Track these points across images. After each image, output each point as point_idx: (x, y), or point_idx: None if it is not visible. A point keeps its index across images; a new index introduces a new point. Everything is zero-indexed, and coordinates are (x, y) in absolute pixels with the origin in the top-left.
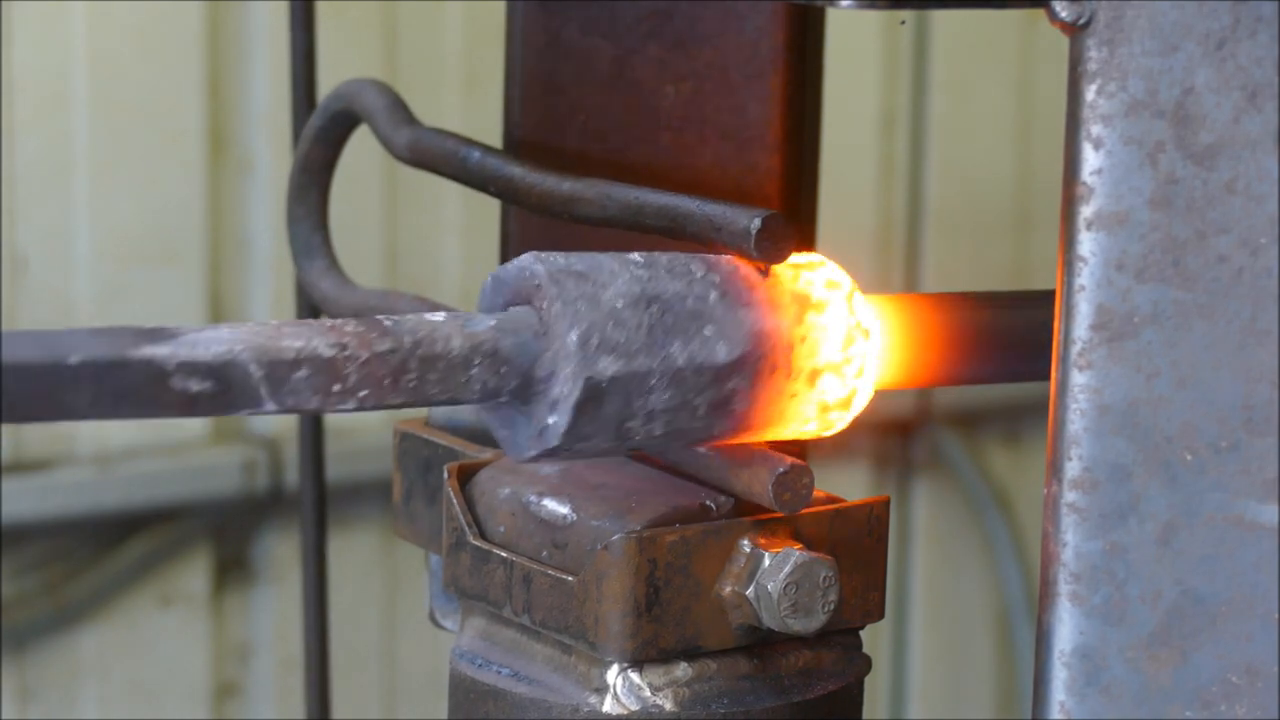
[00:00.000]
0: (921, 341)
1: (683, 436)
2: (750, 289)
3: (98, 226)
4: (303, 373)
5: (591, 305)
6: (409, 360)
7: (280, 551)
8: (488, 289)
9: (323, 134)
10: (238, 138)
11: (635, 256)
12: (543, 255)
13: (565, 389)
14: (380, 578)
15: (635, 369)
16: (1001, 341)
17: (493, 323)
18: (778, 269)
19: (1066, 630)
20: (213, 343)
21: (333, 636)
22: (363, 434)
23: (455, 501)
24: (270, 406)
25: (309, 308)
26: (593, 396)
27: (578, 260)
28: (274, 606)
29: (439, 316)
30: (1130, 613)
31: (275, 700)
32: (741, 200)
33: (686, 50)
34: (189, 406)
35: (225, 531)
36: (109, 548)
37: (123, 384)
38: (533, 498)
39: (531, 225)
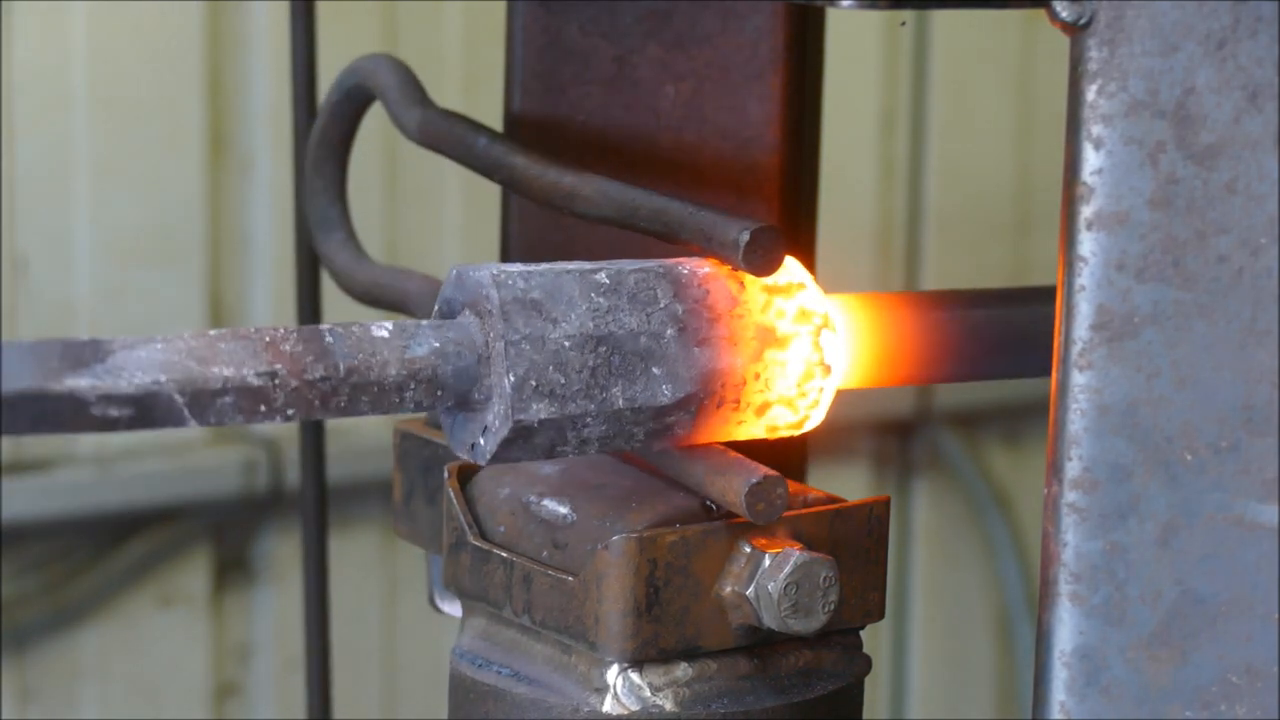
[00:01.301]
0: (885, 341)
1: (618, 450)
2: (712, 322)
3: (98, 226)
4: (228, 399)
5: (536, 345)
6: (340, 386)
7: (280, 551)
8: (451, 281)
9: (339, 109)
10: (238, 138)
11: (602, 278)
12: (502, 276)
13: (496, 423)
14: (380, 578)
15: (569, 412)
16: (969, 339)
17: (436, 344)
18: (750, 295)
19: (1066, 630)
20: (137, 370)
21: (333, 636)
22: (363, 433)
23: (455, 501)
24: (192, 424)
25: (310, 306)
26: (521, 435)
27: (538, 283)
28: (274, 606)
29: (385, 331)
30: (1130, 613)
31: (275, 700)
32: (741, 200)
33: (686, 50)
34: (109, 427)
35: (225, 531)
36: (109, 548)
37: (42, 410)
38: (533, 498)
39: (531, 227)
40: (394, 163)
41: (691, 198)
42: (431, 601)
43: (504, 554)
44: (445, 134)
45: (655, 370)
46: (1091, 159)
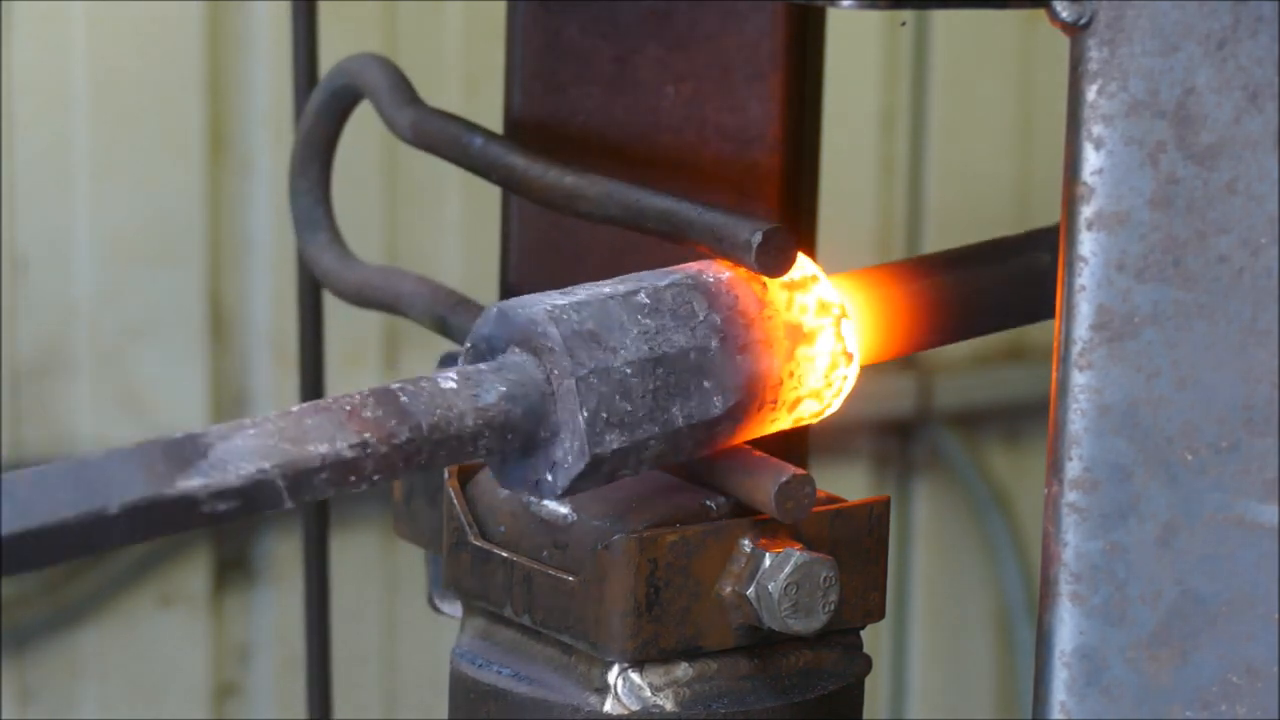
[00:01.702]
0: (887, 314)
1: (668, 465)
2: (748, 327)
3: (98, 226)
4: (324, 475)
5: (603, 377)
6: (423, 446)
7: (280, 551)
8: (492, 319)
9: (325, 109)
10: (238, 138)
11: (642, 298)
12: (557, 311)
13: (568, 460)
14: (380, 578)
15: (638, 438)
16: (965, 301)
17: (503, 388)
18: (773, 295)
19: (1067, 630)
20: (242, 460)
21: (333, 636)
22: None
23: (456, 501)
24: (287, 505)
25: (311, 306)
26: (594, 466)
27: (590, 314)
28: (274, 606)
29: (451, 383)
30: (1130, 613)
31: (275, 700)
32: (742, 200)
33: (686, 50)
34: (214, 521)
35: (225, 531)
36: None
37: (157, 519)
38: (533, 498)
39: (531, 226)
40: (393, 161)
41: (692, 198)
42: (431, 603)
43: (504, 554)
44: (439, 133)
45: (706, 384)
46: (1091, 159)
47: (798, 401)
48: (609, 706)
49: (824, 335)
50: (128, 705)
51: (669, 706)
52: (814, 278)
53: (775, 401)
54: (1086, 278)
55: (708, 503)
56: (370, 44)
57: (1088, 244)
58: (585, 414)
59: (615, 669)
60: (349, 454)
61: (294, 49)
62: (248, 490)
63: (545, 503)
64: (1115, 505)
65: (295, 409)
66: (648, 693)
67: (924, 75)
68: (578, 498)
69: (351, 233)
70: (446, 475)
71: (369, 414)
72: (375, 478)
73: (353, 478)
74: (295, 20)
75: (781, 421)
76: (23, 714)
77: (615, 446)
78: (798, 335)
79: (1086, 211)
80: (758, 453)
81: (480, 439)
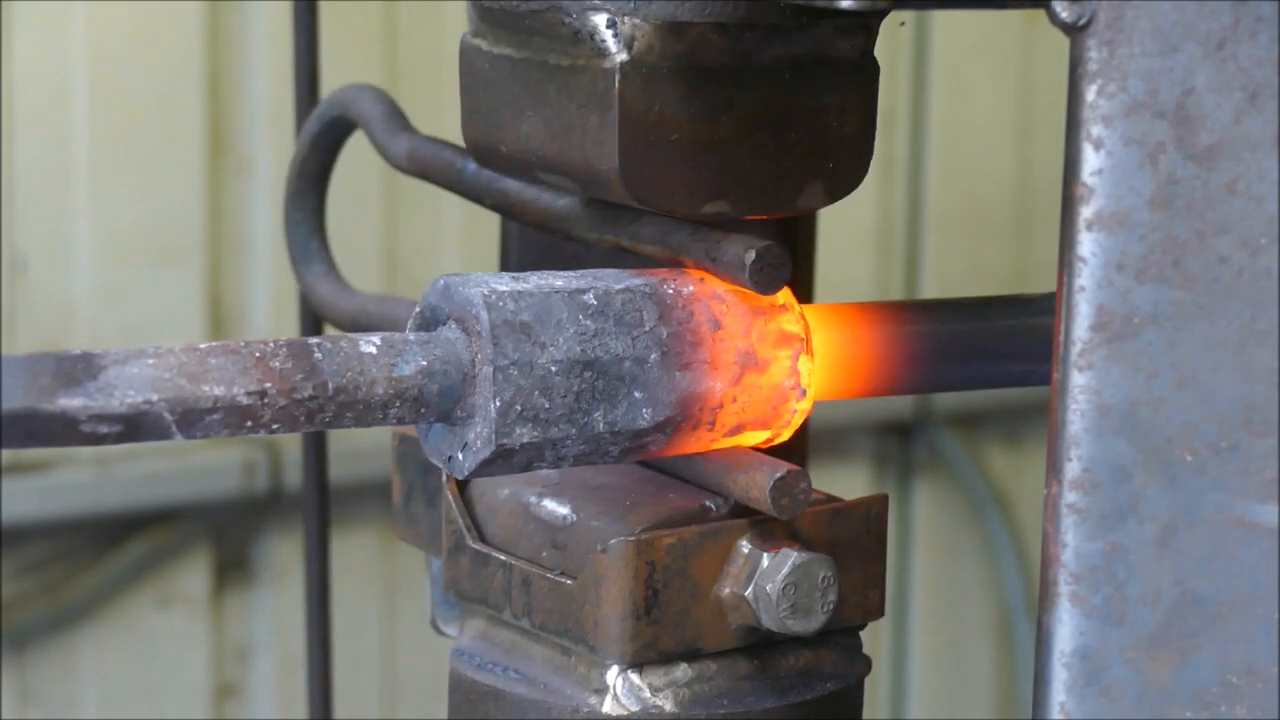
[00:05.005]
0: (853, 354)
1: (592, 464)
2: (695, 346)
3: (98, 227)
4: (216, 416)
5: (524, 370)
6: (327, 404)
7: (280, 552)
8: (438, 291)
9: (318, 140)
10: (238, 138)
11: (590, 299)
12: (493, 296)
13: (477, 444)
14: (380, 579)
15: (551, 436)
16: (936, 351)
17: (423, 362)
18: (733, 319)
19: (1066, 631)
20: (130, 387)
21: (333, 637)
22: (364, 434)
23: (454, 505)
24: (178, 439)
25: (310, 308)
26: (502, 456)
27: (528, 305)
28: (274, 607)
29: (373, 347)
30: (1130, 613)
31: (275, 701)
32: None
33: None
34: (98, 441)
35: (225, 532)
36: (109, 548)
37: (34, 431)
38: (532, 498)
39: (530, 232)
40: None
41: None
42: (434, 624)
43: (503, 557)
44: (434, 161)
45: (637, 394)
46: (1091, 159)
47: (740, 427)
48: (608, 707)
49: (778, 366)
50: (128, 705)
51: (669, 707)
52: (783, 307)
53: (714, 424)
54: (1086, 278)
55: (707, 504)
56: (370, 43)
57: (1087, 244)
58: (498, 404)
59: (615, 669)
60: (245, 400)
61: (295, 50)
62: (131, 418)
63: (544, 503)
64: (1115, 506)
65: (206, 345)
66: (647, 693)
67: (924, 75)
68: (576, 498)
69: (352, 237)
70: (445, 478)
71: (276, 364)
72: (275, 427)
73: (249, 423)
74: (297, 21)
75: (720, 443)
76: (23, 714)
77: (525, 440)
78: (749, 362)
79: (1086, 212)
80: (753, 450)
81: (390, 408)
